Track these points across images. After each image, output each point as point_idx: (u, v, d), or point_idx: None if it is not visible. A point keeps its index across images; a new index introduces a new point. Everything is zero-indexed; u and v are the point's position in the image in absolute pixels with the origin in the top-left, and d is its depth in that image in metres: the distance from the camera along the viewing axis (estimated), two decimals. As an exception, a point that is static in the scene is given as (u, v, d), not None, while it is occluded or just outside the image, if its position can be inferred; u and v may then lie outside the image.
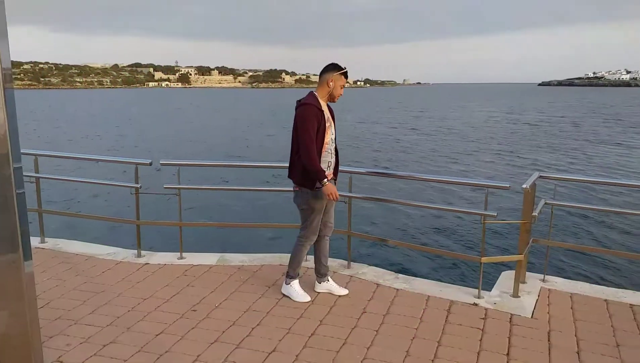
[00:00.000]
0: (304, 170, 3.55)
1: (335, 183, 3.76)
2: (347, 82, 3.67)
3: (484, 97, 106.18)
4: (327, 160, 3.65)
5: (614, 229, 10.33)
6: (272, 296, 3.91)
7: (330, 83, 3.58)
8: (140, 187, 4.66)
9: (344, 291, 3.94)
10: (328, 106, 3.71)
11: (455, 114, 49.59)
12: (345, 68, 3.61)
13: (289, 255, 4.74)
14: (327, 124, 3.59)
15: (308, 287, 4.00)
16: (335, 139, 3.72)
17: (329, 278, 4.00)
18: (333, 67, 3.59)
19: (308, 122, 3.46)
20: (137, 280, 4.23)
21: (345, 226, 4.48)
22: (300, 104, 3.60)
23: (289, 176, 3.71)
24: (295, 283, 3.89)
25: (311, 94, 3.63)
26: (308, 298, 3.80)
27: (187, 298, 3.86)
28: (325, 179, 3.50)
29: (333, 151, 3.70)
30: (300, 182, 3.63)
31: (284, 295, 3.89)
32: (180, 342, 3.22)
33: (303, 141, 3.47)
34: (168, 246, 5.39)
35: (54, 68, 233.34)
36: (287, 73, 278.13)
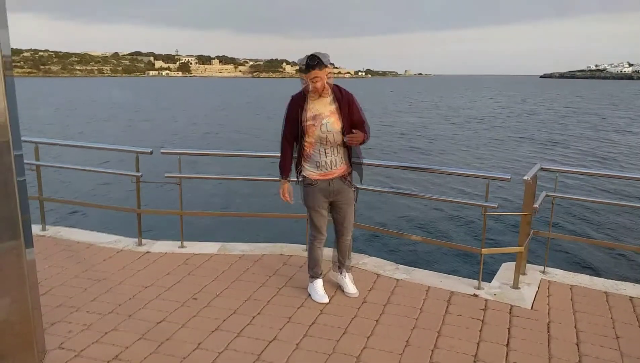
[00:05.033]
0: (295, 164, 3.59)
1: (349, 184, 3.56)
2: (309, 74, 3.25)
3: (496, 88, 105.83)
4: (315, 160, 3.44)
5: (615, 221, 10.34)
6: (272, 285, 3.92)
7: (304, 82, 3.34)
8: (141, 176, 4.65)
9: (353, 292, 3.73)
10: (337, 99, 3.38)
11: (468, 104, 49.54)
12: (300, 62, 3.29)
13: (290, 244, 4.74)
14: (309, 123, 3.35)
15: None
16: (336, 136, 3.38)
17: (344, 272, 3.82)
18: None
19: (285, 114, 3.47)
20: (138, 268, 4.24)
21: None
22: None
23: None
24: (317, 282, 3.73)
25: (305, 86, 3.42)
26: (325, 300, 3.62)
27: (188, 287, 3.87)
28: (283, 179, 3.55)
29: (329, 151, 3.41)
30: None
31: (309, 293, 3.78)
32: (181, 329, 3.24)
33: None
34: (169, 235, 5.39)
35: (54, 56, 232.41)
36: (287, 63, 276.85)
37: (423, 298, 3.74)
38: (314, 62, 3.23)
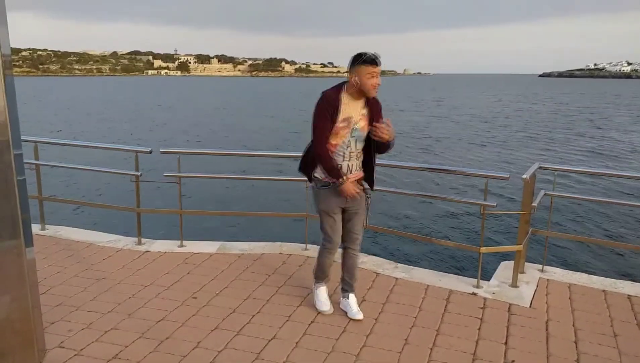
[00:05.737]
0: (305, 162, 3.36)
1: (363, 190, 3.37)
2: (375, 69, 3.06)
3: (495, 87, 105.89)
4: (337, 162, 3.24)
5: (613, 220, 10.36)
6: (272, 284, 3.93)
7: (354, 79, 3.08)
8: (141, 175, 4.65)
9: (359, 317, 3.41)
10: (368, 104, 3.21)
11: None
12: (365, 55, 3.06)
13: (289, 243, 4.73)
14: (341, 125, 3.15)
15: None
16: (360, 142, 3.25)
17: (350, 295, 3.50)
18: (353, 61, 3.08)
19: (318, 111, 3.15)
20: (137, 267, 4.24)
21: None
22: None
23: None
24: (320, 288, 3.59)
25: (340, 83, 3.22)
26: (326, 308, 3.49)
27: (188, 286, 3.88)
28: (343, 178, 3.17)
29: (351, 156, 3.25)
30: (307, 177, 3.40)
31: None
32: (181, 328, 3.24)
33: (312, 133, 3.17)
34: (168, 234, 5.40)
35: (52, 55, 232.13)
36: (287, 62, 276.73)
37: (422, 296, 3.75)
38: (378, 58, 3.08)
